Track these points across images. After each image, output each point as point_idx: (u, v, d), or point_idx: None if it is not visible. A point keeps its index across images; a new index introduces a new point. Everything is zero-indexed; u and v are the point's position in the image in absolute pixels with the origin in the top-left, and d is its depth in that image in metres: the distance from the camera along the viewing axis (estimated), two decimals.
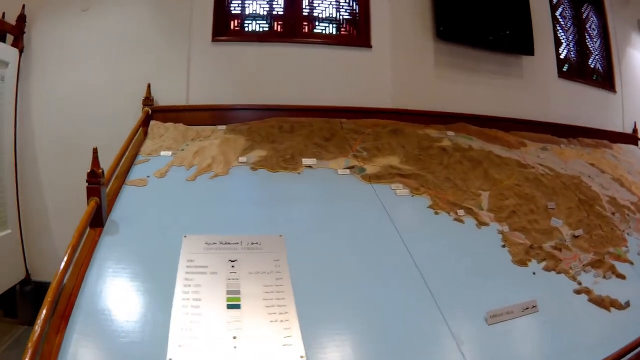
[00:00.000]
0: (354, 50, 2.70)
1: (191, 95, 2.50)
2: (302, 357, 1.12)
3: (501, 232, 1.86)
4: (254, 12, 2.62)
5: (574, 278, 1.72)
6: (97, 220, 1.51)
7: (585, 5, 3.56)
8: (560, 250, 1.86)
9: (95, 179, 1.49)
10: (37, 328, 1.01)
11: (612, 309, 1.60)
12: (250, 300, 1.26)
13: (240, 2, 2.61)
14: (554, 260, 1.78)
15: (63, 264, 1.22)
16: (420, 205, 1.89)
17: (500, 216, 1.97)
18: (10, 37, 2.38)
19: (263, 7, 2.63)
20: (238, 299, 1.26)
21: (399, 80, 2.74)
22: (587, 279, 1.74)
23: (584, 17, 3.55)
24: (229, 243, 1.47)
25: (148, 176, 1.86)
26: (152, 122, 2.31)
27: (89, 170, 1.48)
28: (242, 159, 2.04)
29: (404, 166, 2.15)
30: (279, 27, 2.65)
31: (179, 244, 1.45)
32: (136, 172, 1.90)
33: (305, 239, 1.57)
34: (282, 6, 2.65)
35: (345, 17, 2.73)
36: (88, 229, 1.48)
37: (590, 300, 1.62)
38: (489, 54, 2.95)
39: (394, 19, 2.71)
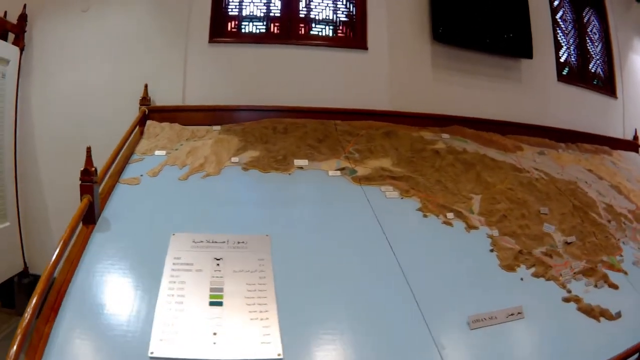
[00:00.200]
0: (351, 52, 2.70)
1: (188, 95, 2.52)
2: (279, 355, 1.14)
3: (490, 237, 1.85)
4: (251, 13, 2.64)
5: (563, 286, 1.69)
6: (89, 217, 1.55)
7: (586, 9, 3.53)
8: (551, 256, 1.84)
9: (88, 177, 1.53)
10: (27, 316, 1.06)
11: (602, 319, 1.57)
12: (232, 298, 1.28)
13: (237, 3, 2.64)
14: (544, 266, 1.77)
15: (54, 257, 1.27)
16: (409, 207, 1.90)
17: (491, 220, 1.96)
18: (11, 36, 2.44)
19: (260, 9, 2.66)
20: (221, 297, 1.28)
21: (396, 83, 2.74)
22: (578, 287, 1.71)
23: (585, 21, 3.52)
24: (215, 242, 1.50)
25: (141, 175, 1.90)
26: (148, 122, 2.35)
27: (82, 169, 1.52)
28: (234, 159, 2.07)
29: (396, 168, 2.15)
30: (275, 28, 2.68)
31: (168, 242, 1.48)
32: (130, 171, 1.93)
33: (292, 239, 1.59)
34: (279, 8, 2.68)
35: (341, 19, 2.74)
36: (81, 225, 1.52)
37: (579, 309, 1.59)
38: (487, 56, 2.93)
39: (391, 21, 2.71)
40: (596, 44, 3.55)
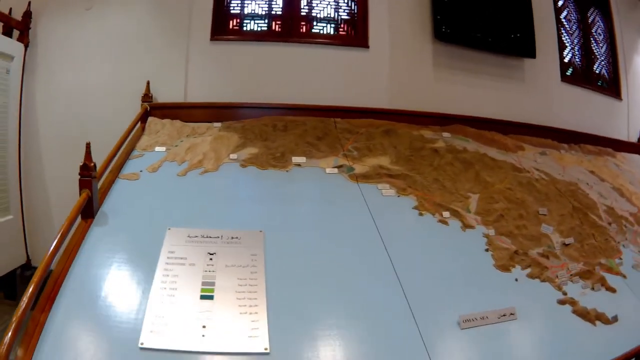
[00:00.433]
0: (352, 50, 2.71)
1: (189, 93, 2.55)
2: (265, 349, 1.15)
3: (486, 236, 1.84)
4: (253, 11, 2.66)
5: (559, 287, 1.67)
6: (88, 212, 1.57)
7: (591, 10, 3.49)
8: (547, 257, 1.83)
9: (87, 172, 1.56)
10: (22, 304, 1.08)
11: (597, 322, 1.56)
12: (223, 292, 1.30)
13: (239, 1, 2.65)
14: (540, 267, 1.75)
15: (51, 248, 1.30)
16: (405, 205, 1.90)
17: (488, 219, 1.95)
18: (16, 32, 2.48)
19: (262, 7, 2.67)
20: (212, 290, 1.30)
21: (397, 81, 2.74)
22: (574, 289, 1.69)
23: (589, 21, 3.48)
24: (210, 237, 1.51)
25: (141, 170, 1.92)
26: (149, 119, 2.37)
27: (81, 164, 1.54)
28: (233, 155, 2.08)
29: (394, 167, 2.15)
30: (277, 26, 2.69)
31: (164, 237, 1.50)
32: (130, 167, 1.96)
33: (286, 235, 1.60)
34: (281, 6, 2.69)
35: (343, 17, 2.75)
36: (79, 219, 1.54)
37: (574, 311, 1.57)
38: (490, 55, 2.91)
39: (392, 19, 2.71)
40: (601, 44, 3.51)
